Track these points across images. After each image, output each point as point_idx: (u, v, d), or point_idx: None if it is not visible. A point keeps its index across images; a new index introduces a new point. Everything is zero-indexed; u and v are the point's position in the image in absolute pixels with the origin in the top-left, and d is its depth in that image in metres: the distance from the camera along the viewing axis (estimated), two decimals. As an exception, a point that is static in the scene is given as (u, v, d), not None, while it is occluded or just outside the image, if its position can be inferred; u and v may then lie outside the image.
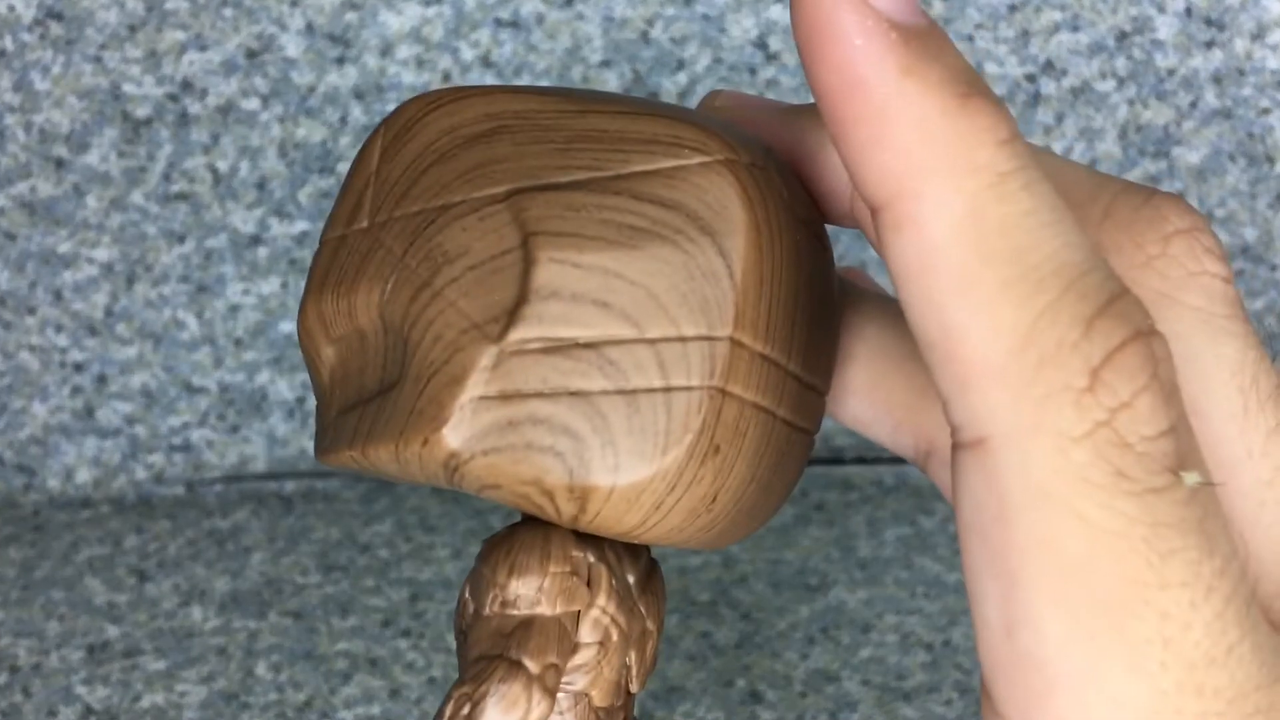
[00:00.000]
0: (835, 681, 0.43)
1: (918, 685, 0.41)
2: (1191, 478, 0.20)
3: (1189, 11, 0.46)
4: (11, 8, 0.47)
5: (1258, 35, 0.46)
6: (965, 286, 0.20)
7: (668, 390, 0.21)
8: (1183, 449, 0.20)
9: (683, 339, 0.21)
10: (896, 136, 0.20)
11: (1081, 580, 0.20)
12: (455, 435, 0.21)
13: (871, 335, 0.26)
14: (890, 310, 0.26)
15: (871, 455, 0.51)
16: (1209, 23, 0.46)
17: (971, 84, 0.21)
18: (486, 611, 0.22)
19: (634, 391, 0.21)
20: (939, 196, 0.20)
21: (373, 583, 0.46)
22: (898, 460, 0.50)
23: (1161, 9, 0.46)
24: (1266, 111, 0.47)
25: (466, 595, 0.23)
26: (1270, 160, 0.47)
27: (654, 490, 0.21)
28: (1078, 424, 0.20)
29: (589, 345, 0.21)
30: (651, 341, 0.21)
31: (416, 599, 0.45)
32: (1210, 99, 0.47)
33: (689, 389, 0.21)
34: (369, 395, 0.22)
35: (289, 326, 0.49)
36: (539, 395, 0.21)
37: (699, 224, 0.21)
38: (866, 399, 0.26)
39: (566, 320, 0.21)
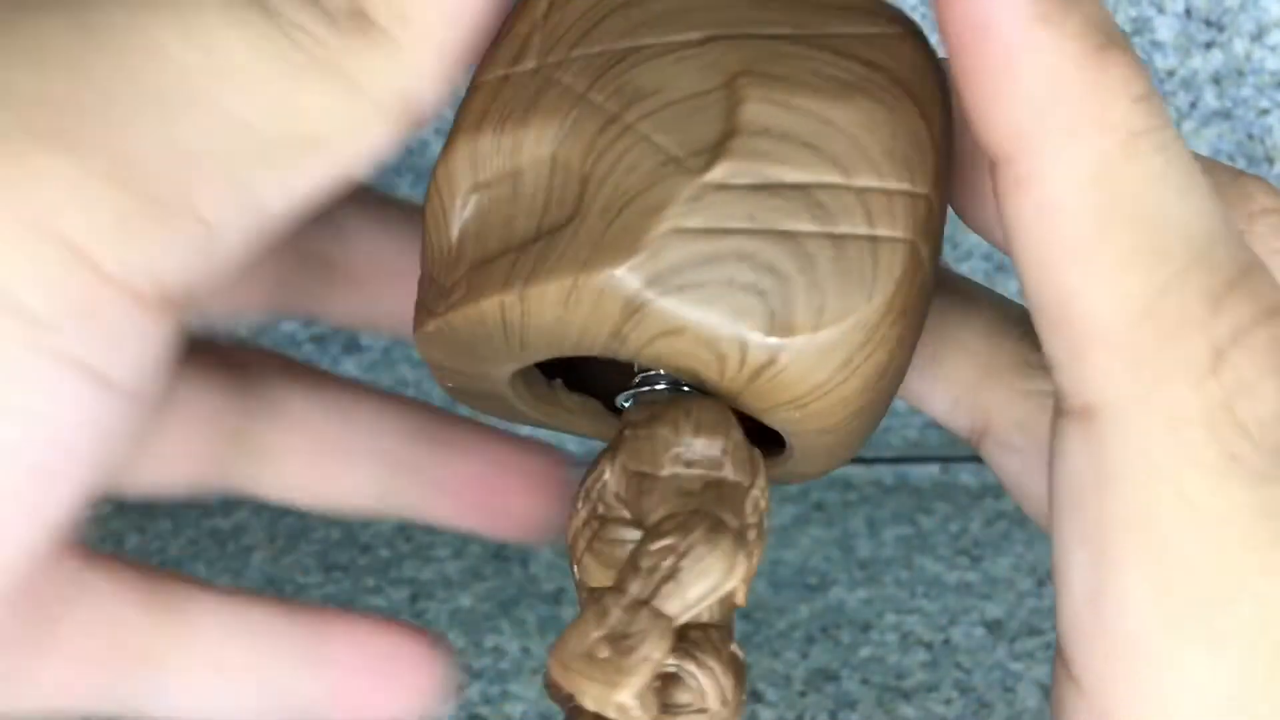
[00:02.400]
0: (835, 681, 0.43)
1: (918, 685, 0.41)
2: None
3: (1188, 12, 0.46)
4: (13, 8, 0.47)
5: (1257, 36, 0.46)
6: (1087, 251, 0.19)
7: (873, 239, 0.20)
8: None
9: (887, 191, 0.20)
10: (1025, 87, 0.19)
11: (1177, 560, 0.19)
12: (650, 265, 0.20)
13: (935, 310, 0.25)
14: (956, 286, 0.26)
15: (870, 456, 0.51)
16: (1208, 24, 0.46)
17: (1110, 35, 0.19)
18: (665, 472, 0.21)
19: (841, 236, 0.20)
20: (1066, 153, 0.19)
21: (373, 582, 0.46)
22: (897, 460, 0.50)
23: (1161, 10, 0.46)
24: (1266, 112, 0.47)
25: (620, 469, 0.21)
26: (1270, 161, 0.47)
27: (849, 343, 0.20)
28: (1195, 404, 0.19)
29: (797, 186, 0.20)
30: (859, 190, 0.20)
31: (416, 599, 0.45)
32: (1210, 100, 0.47)
33: (893, 240, 0.20)
34: (523, 241, 0.21)
35: (291, 326, 0.49)
36: (744, 232, 0.20)
37: (903, 86, 0.21)
38: (926, 373, 0.25)
39: (775, 158, 0.20)
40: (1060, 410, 0.20)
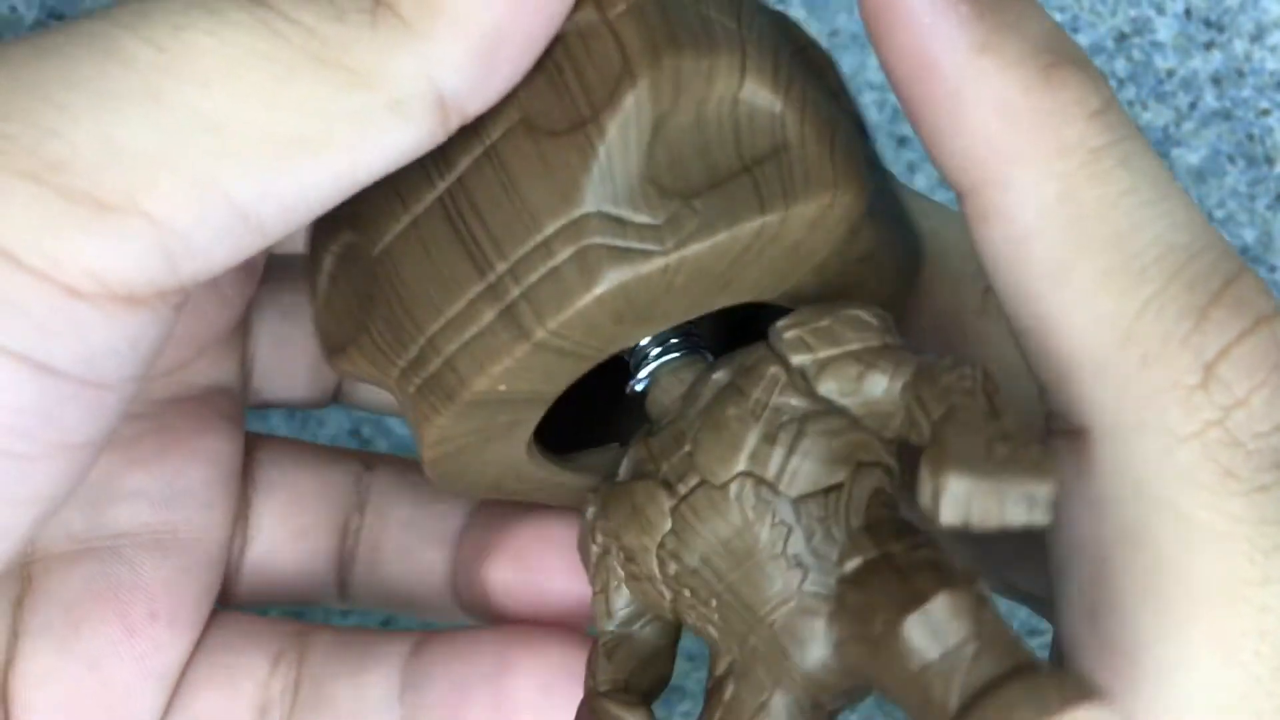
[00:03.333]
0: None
1: (917, 685, 0.41)
2: None
3: (1188, 13, 0.46)
4: (13, 8, 0.47)
5: (1257, 37, 0.46)
6: (1060, 277, 0.19)
7: None
8: None
9: None
10: (976, 119, 0.18)
11: (1176, 575, 0.19)
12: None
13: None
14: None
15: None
16: (1208, 24, 0.46)
17: (1057, 52, 0.19)
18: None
19: None
20: (1027, 183, 0.19)
21: (374, 582, 0.46)
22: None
23: (1161, 11, 0.46)
24: (1266, 113, 0.47)
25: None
26: (1269, 161, 0.47)
27: None
28: (1186, 423, 0.19)
29: None
30: None
31: (417, 599, 0.45)
32: (1209, 100, 0.47)
33: None
34: (730, 174, 0.20)
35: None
36: None
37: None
38: None
39: None
40: (1051, 431, 0.20)
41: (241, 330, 0.26)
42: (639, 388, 0.23)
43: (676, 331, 0.23)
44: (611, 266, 0.19)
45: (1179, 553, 0.19)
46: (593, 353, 0.21)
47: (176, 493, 0.24)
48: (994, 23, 0.19)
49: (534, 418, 0.22)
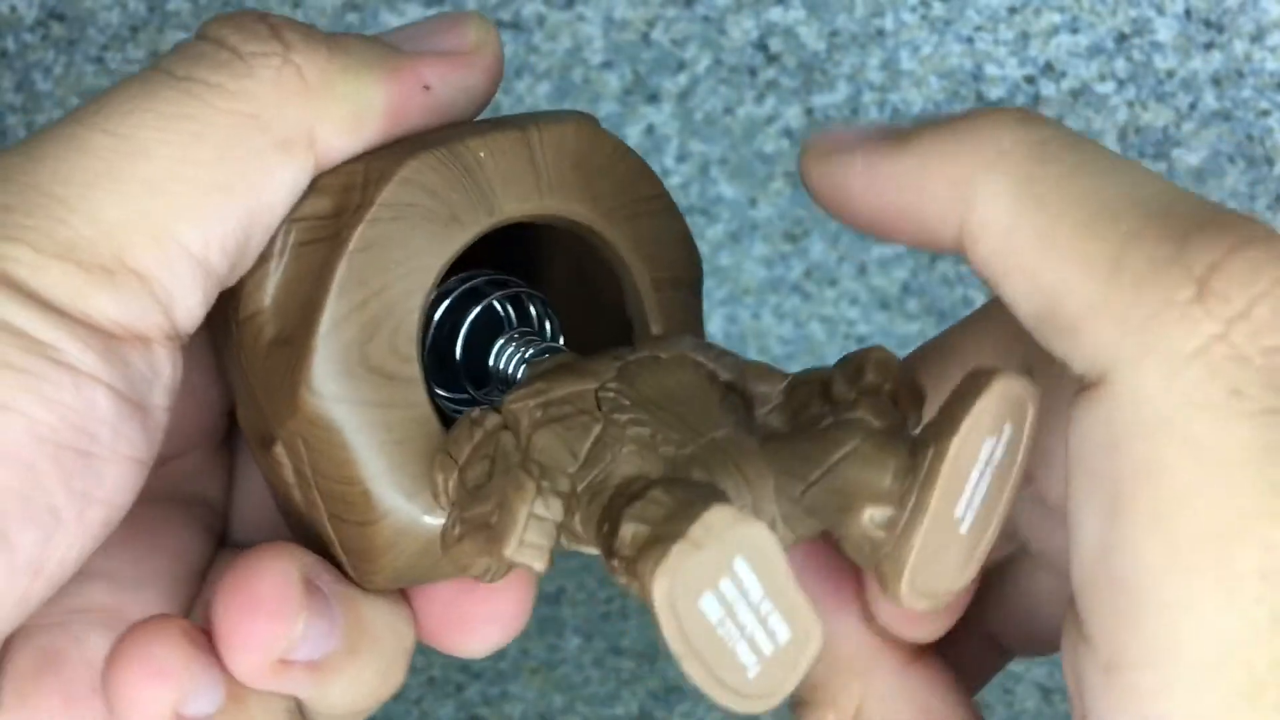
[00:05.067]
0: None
1: (917, 685, 0.41)
2: None
3: (1188, 14, 0.46)
4: (14, 8, 0.47)
5: (1257, 37, 0.46)
6: (1043, 245, 0.19)
7: None
8: None
9: None
10: (926, 184, 0.21)
11: (1187, 509, 0.19)
12: None
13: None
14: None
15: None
16: (1208, 25, 0.46)
17: (966, 112, 0.21)
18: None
19: None
20: (986, 193, 0.20)
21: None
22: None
23: (1161, 11, 0.46)
24: (1265, 113, 0.47)
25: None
26: (1269, 162, 0.47)
27: None
28: (1188, 338, 0.18)
29: None
30: None
31: (417, 599, 0.45)
32: (1209, 100, 0.47)
33: None
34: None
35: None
36: None
37: None
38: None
39: None
40: (1077, 395, 0.20)
41: (227, 460, 0.28)
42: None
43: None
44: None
45: (1189, 483, 0.19)
46: None
47: (133, 579, 0.26)
48: (905, 129, 0.22)
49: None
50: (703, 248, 0.49)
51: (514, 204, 0.24)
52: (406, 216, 0.23)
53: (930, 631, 0.24)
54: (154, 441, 0.23)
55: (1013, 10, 0.46)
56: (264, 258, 0.23)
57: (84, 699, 0.24)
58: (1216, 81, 0.47)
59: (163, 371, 0.23)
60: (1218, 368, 0.18)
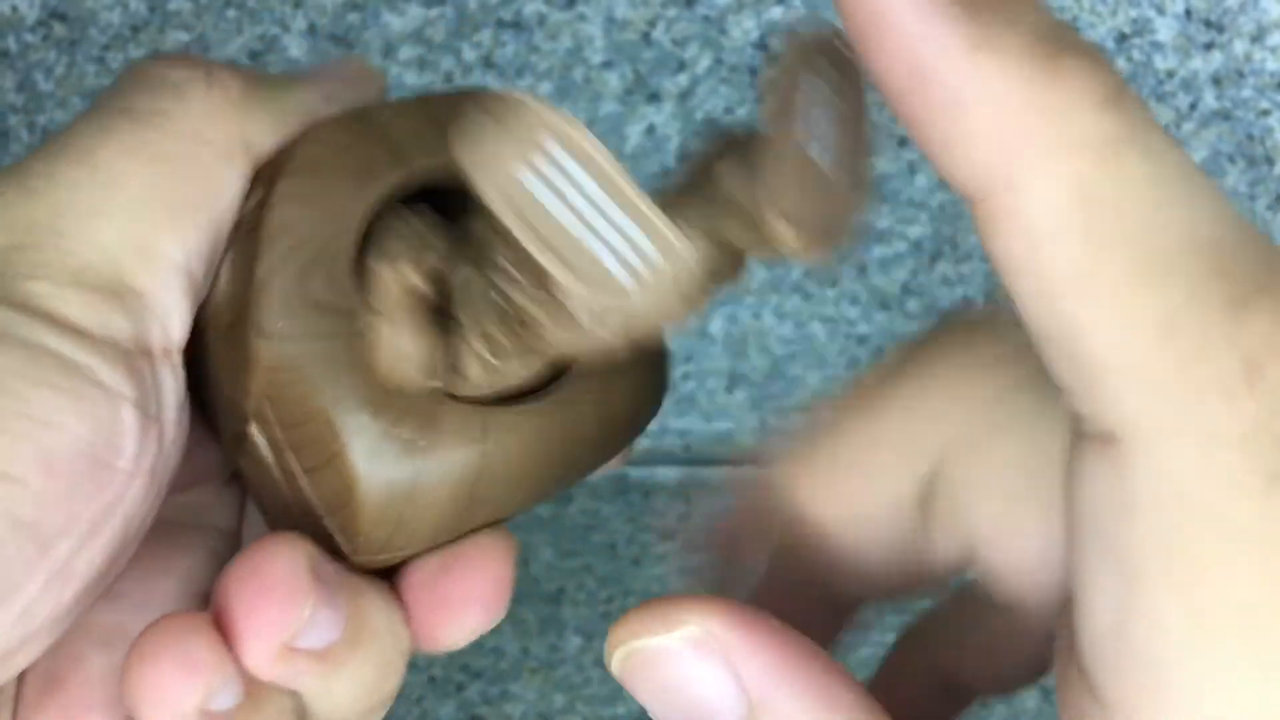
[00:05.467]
0: None
1: (917, 684, 0.41)
2: None
3: (1188, 14, 0.46)
4: (15, 8, 0.47)
5: (1257, 37, 0.46)
6: (1085, 279, 0.18)
7: None
8: None
9: None
10: (979, 124, 0.18)
11: (1214, 583, 0.18)
12: None
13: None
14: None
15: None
16: (1208, 25, 0.46)
17: (1060, 41, 0.18)
18: None
19: None
20: (1038, 184, 0.18)
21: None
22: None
23: (1161, 11, 0.46)
24: (1266, 113, 0.47)
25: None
26: (1270, 162, 0.47)
27: None
28: (1230, 425, 0.18)
29: None
30: None
31: (418, 598, 0.45)
32: (1210, 101, 0.47)
33: None
34: None
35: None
36: None
37: None
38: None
39: None
40: (1079, 434, 0.19)
41: (238, 496, 0.29)
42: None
43: None
44: None
45: (1219, 561, 0.18)
46: None
47: (139, 601, 0.26)
48: (988, 18, 0.18)
49: None
50: (703, 247, 0.49)
51: (422, 158, 0.25)
52: (321, 172, 0.25)
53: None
54: (169, 456, 0.24)
55: (1013, 10, 0.46)
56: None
57: (82, 718, 0.25)
58: (1216, 81, 0.47)
59: (168, 385, 0.24)
60: (1258, 452, 0.18)
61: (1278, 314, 0.18)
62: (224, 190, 0.25)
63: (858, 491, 0.25)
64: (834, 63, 0.21)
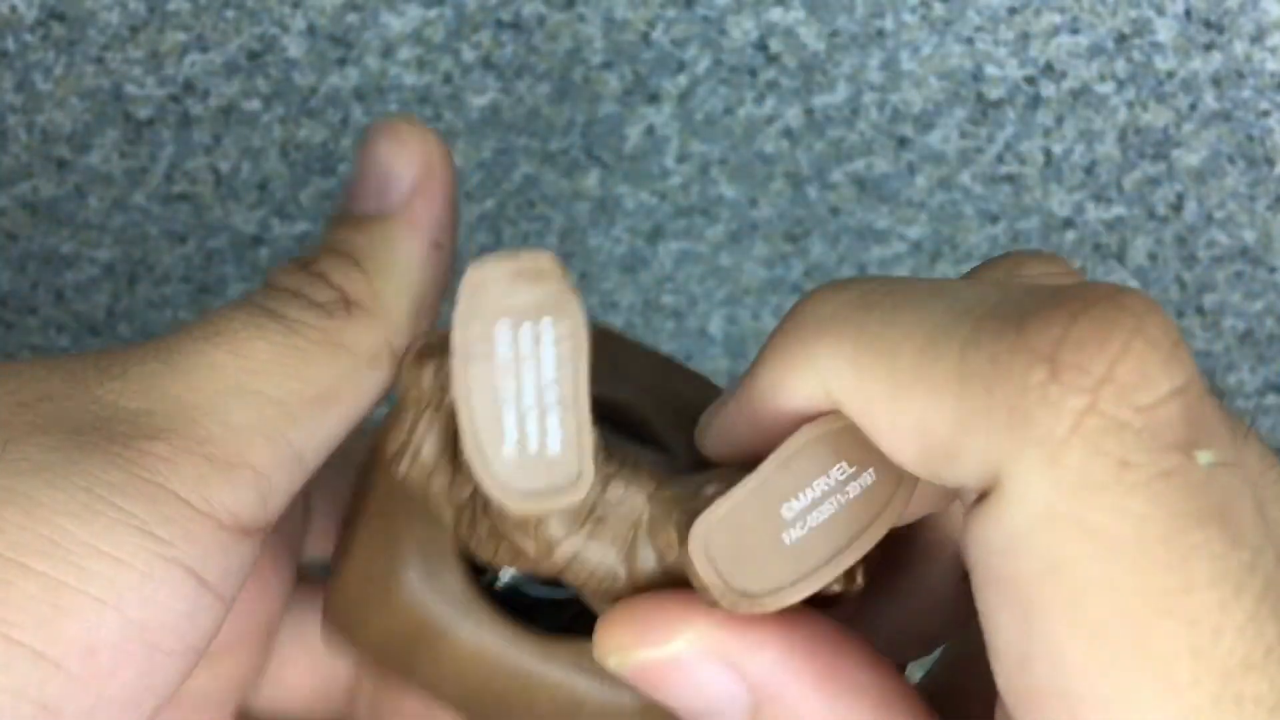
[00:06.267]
0: None
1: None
2: (1205, 456, 0.18)
3: (1188, 14, 0.46)
4: (14, 8, 0.47)
5: (1257, 38, 0.46)
6: (892, 389, 0.19)
7: None
8: (1193, 417, 0.18)
9: None
10: (766, 416, 0.21)
11: (1098, 600, 0.18)
12: None
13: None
14: None
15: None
16: (1208, 25, 0.46)
17: None
18: None
19: None
20: (824, 368, 0.20)
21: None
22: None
23: (1161, 12, 0.46)
24: (1266, 114, 0.47)
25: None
26: (1270, 162, 0.47)
27: None
28: (1057, 420, 0.18)
29: None
30: None
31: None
32: (1210, 101, 0.47)
33: None
34: None
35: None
36: None
37: None
38: None
39: None
40: (965, 516, 0.19)
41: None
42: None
43: None
44: None
45: (1097, 573, 0.18)
46: None
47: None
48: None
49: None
50: (703, 248, 0.49)
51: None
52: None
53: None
54: (216, 632, 0.25)
55: (1013, 11, 0.46)
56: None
57: None
58: (1216, 82, 0.47)
59: (248, 562, 0.25)
60: (1096, 443, 0.17)
61: (1057, 313, 0.18)
62: (365, 390, 0.26)
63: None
64: (887, 472, 0.21)
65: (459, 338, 0.21)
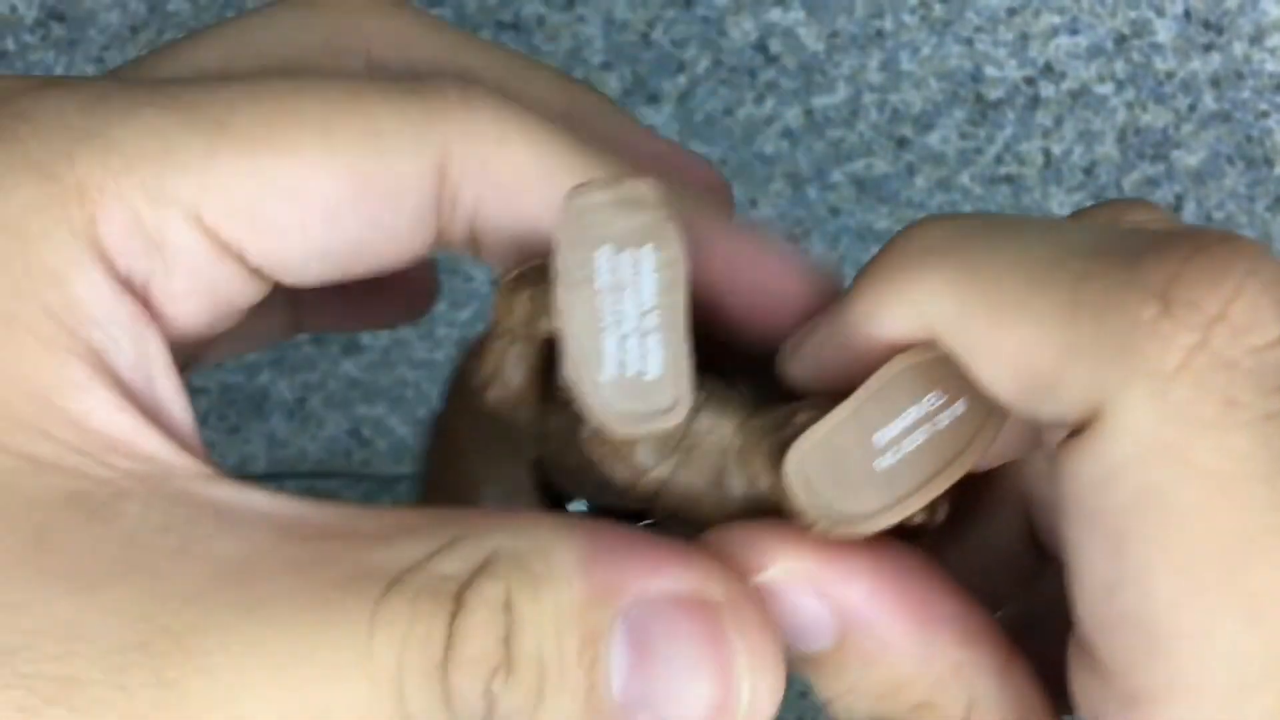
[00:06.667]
0: (834, 682, 0.43)
1: (917, 685, 0.41)
2: None
3: (1188, 15, 0.46)
4: (14, 8, 0.47)
5: (1256, 39, 0.46)
6: (996, 318, 0.19)
7: None
8: None
9: None
10: (865, 338, 0.21)
11: (1193, 533, 0.18)
12: None
13: None
14: None
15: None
16: (1207, 26, 0.46)
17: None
18: None
19: None
20: (925, 297, 0.20)
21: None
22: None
23: (1160, 12, 0.46)
24: (1265, 114, 0.47)
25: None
26: (1269, 163, 0.47)
27: None
28: (1166, 355, 0.18)
29: None
30: None
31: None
32: (1209, 102, 0.47)
33: None
34: None
35: (290, 327, 0.49)
36: None
37: None
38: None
39: None
40: (1058, 447, 0.20)
41: None
42: None
43: None
44: None
45: (1193, 506, 0.18)
46: None
47: None
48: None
49: None
50: (702, 249, 0.49)
51: None
52: None
53: None
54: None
55: (1012, 11, 0.46)
56: None
57: None
58: (1216, 83, 0.47)
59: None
60: (1204, 379, 0.18)
61: (1173, 253, 0.18)
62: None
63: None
64: (952, 390, 0.21)
65: (561, 263, 0.21)
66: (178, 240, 0.22)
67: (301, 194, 0.22)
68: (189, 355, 0.24)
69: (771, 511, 0.22)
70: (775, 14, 0.46)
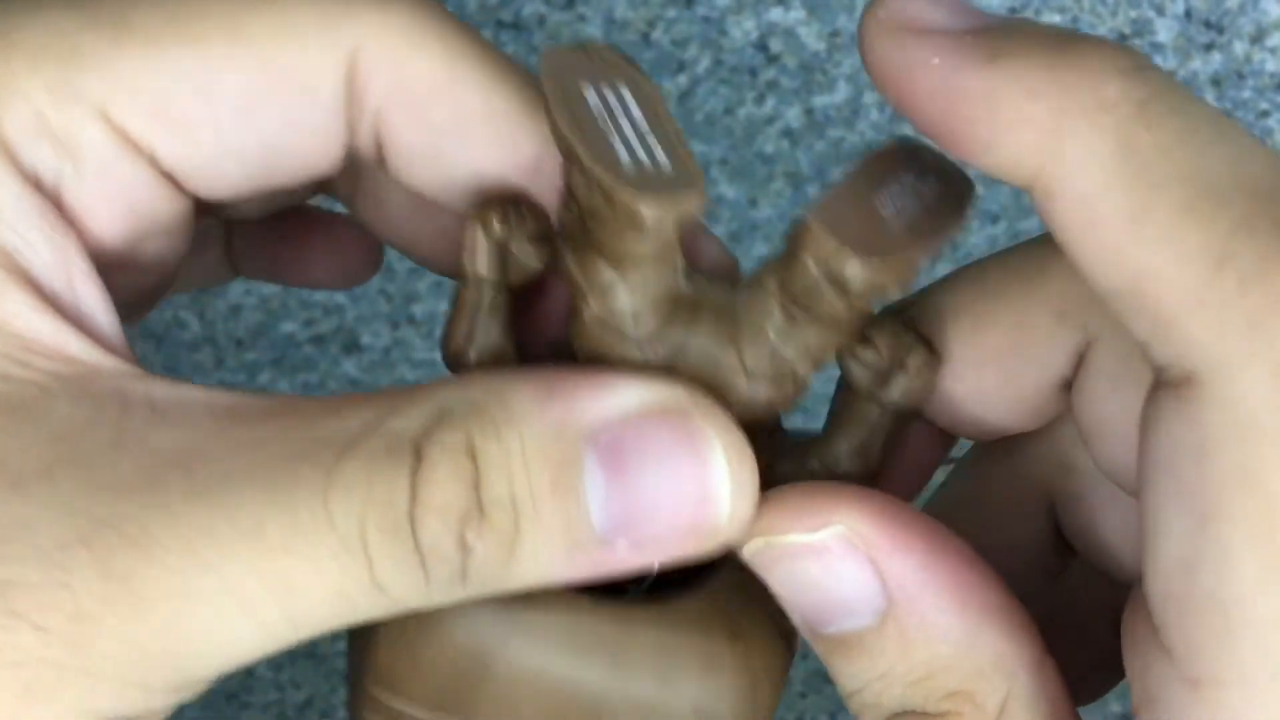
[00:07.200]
0: (834, 682, 0.43)
1: (917, 685, 0.41)
2: None
3: (1188, 14, 0.46)
4: (14, 8, 0.47)
5: (1256, 38, 0.46)
6: (1138, 223, 0.18)
7: None
8: None
9: None
10: (1013, 116, 0.19)
11: None
12: None
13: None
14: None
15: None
16: (1208, 26, 0.46)
17: (1071, 35, 0.19)
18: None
19: None
20: (1079, 147, 0.18)
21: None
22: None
23: (1161, 12, 0.46)
24: (1265, 114, 0.47)
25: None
26: (1269, 163, 0.47)
27: None
28: None
29: None
30: None
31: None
32: (1209, 101, 0.47)
33: None
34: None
35: (290, 326, 0.49)
36: None
37: None
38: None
39: None
40: (1159, 384, 0.19)
41: None
42: None
43: None
44: None
45: None
46: None
47: None
48: (992, 36, 0.19)
49: None
50: (703, 248, 0.49)
51: None
52: None
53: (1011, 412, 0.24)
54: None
55: (1013, 11, 0.46)
56: None
57: None
58: (1216, 82, 0.47)
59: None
60: None
61: None
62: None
63: (1007, 359, 0.24)
64: (921, 168, 0.23)
65: (551, 89, 0.22)
66: (85, 138, 0.21)
67: (211, 87, 0.21)
68: (129, 289, 0.23)
69: (794, 387, 0.23)
70: (776, 13, 0.46)
